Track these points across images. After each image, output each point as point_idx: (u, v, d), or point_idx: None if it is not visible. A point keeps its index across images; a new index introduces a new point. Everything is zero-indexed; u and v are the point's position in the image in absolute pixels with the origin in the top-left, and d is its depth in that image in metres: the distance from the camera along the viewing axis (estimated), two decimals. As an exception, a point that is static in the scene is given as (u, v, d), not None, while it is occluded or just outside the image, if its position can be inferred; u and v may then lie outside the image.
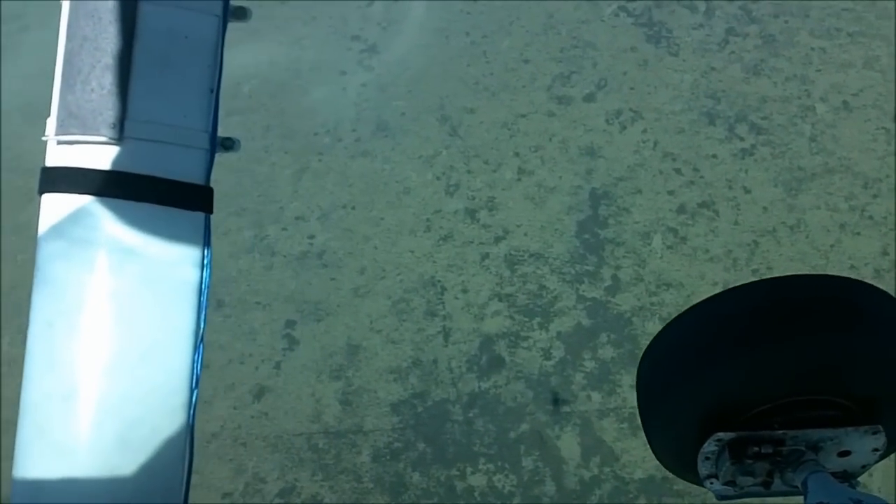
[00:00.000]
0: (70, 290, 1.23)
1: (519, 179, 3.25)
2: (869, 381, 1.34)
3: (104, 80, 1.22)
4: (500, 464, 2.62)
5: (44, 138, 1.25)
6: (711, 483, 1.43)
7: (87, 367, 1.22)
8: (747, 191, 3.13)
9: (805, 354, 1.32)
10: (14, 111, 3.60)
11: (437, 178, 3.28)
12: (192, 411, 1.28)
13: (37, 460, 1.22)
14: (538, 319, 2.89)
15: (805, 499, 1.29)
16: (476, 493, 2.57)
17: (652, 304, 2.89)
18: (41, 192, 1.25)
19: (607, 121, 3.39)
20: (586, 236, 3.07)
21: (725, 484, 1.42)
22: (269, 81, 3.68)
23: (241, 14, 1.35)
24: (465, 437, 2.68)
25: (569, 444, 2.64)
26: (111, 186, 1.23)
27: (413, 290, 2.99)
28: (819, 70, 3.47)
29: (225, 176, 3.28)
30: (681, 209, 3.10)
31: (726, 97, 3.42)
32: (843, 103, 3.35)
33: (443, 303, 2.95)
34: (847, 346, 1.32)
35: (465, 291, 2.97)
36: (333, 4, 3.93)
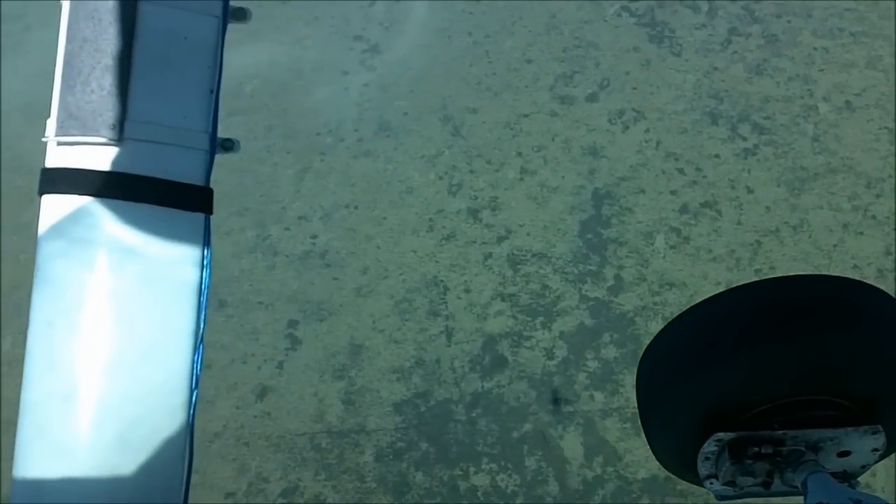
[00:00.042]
0: (70, 289, 1.23)
1: (521, 179, 3.25)
2: (869, 381, 1.34)
3: (104, 82, 1.22)
4: (503, 463, 2.62)
5: (44, 139, 1.26)
6: (711, 483, 1.43)
7: (87, 366, 1.22)
8: (750, 190, 3.13)
9: (805, 354, 1.32)
10: (15, 111, 3.60)
11: (440, 178, 3.28)
12: (192, 411, 1.27)
13: (37, 460, 1.22)
14: (541, 319, 2.89)
15: (805, 499, 1.29)
16: (479, 493, 2.57)
17: (655, 303, 2.89)
18: (41, 193, 1.25)
19: (610, 121, 3.39)
20: (589, 236, 3.07)
21: (725, 484, 1.42)
22: (271, 81, 3.69)
23: (241, 15, 1.35)
24: (468, 436, 2.68)
25: (572, 444, 2.64)
26: (111, 187, 1.23)
27: (416, 289, 2.99)
28: (822, 70, 3.47)
29: (227, 176, 3.28)
30: (683, 209, 3.10)
31: (729, 97, 3.41)
32: (846, 103, 3.35)
33: (445, 302, 2.95)
34: (847, 347, 1.32)
35: (467, 291, 2.97)
36: (335, 4, 3.93)
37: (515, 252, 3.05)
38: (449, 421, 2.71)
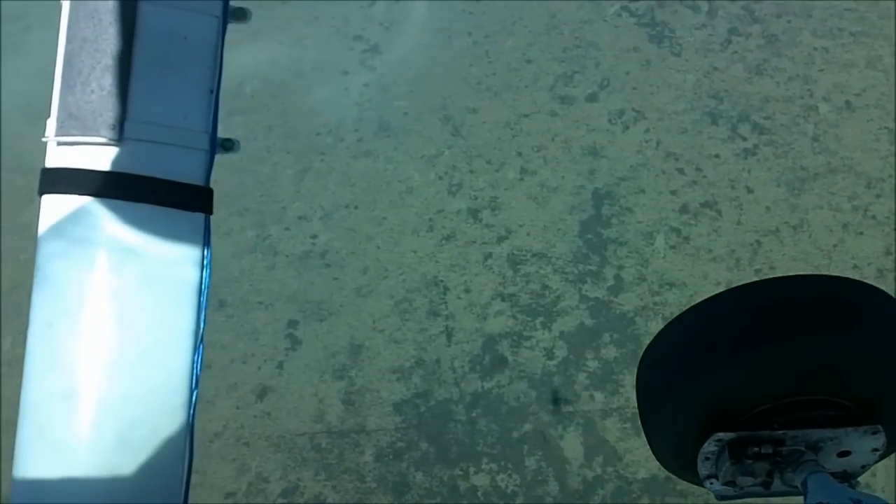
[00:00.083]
0: (70, 289, 1.23)
1: (521, 179, 3.25)
2: (868, 381, 1.34)
3: (104, 82, 1.22)
4: (503, 463, 2.62)
5: (44, 139, 1.26)
6: (711, 483, 1.43)
7: (87, 366, 1.22)
8: (750, 191, 3.13)
9: (805, 355, 1.31)
10: (16, 111, 3.60)
11: (440, 178, 3.28)
12: (192, 411, 1.28)
13: (37, 460, 1.22)
14: (541, 319, 2.89)
15: (805, 499, 1.29)
16: (479, 493, 2.57)
17: (655, 303, 2.89)
18: (41, 193, 1.25)
19: (610, 121, 3.39)
20: (589, 236, 3.07)
21: (725, 484, 1.42)
22: (271, 81, 3.69)
23: (241, 15, 1.35)
24: (468, 436, 2.68)
25: (572, 444, 2.64)
26: (111, 187, 1.23)
27: (416, 289, 2.99)
28: (822, 70, 3.47)
29: (227, 176, 3.28)
30: (683, 209, 3.10)
31: (729, 97, 3.41)
32: (846, 103, 3.35)
33: (445, 302, 2.95)
34: (847, 347, 1.31)
35: (467, 291, 2.97)
36: (335, 4, 3.93)
37: (515, 252, 3.05)
38: (449, 421, 2.71)
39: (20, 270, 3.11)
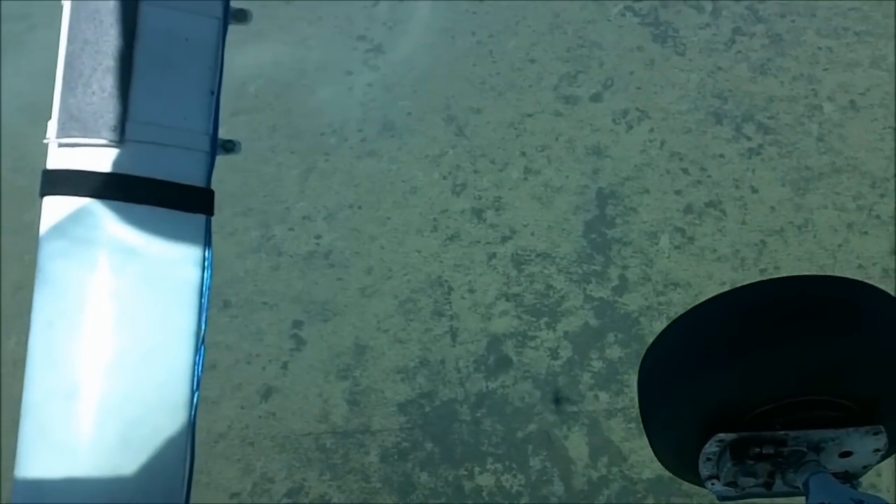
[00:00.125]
0: (71, 290, 1.24)
1: (525, 179, 3.24)
2: (870, 381, 1.34)
3: (105, 83, 1.22)
4: (508, 464, 2.62)
5: (45, 141, 1.26)
6: (713, 484, 1.43)
7: (88, 366, 1.22)
8: (755, 190, 3.12)
9: (806, 355, 1.31)
10: (20, 111, 3.61)
11: (444, 178, 3.28)
12: (193, 411, 1.28)
13: (38, 460, 1.22)
14: (545, 319, 2.89)
15: (806, 499, 1.29)
16: (484, 493, 2.57)
17: (659, 303, 2.88)
18: (42, 195, 1.26)
19: (614, 120, 3.38)
20: (593, 236, 3.06)
21: (727, 485, 1.42)
22: (275, 81, 3.69)
23: (242, 16, 1.36)
24: (473, 436, 2.67)
25: (577, 444, 2.64)
26: (112, 188, 1.24)
27: (420, 289, 2.99)
28: (826, 69, 3.46)
29: (231, 176, 3.28)
30: (688, 209, 3.09)
31: (733, 97, 3.41)
32: (851, 102, 3.34)
33: (450, 303, 2.95)
34: (848, 347, 1.31)
35: (472, 291, 2.97)
36: (339, 4, 3.93)
37: (520, 252, 3.05)
38: (454, 421, 2.71)
39: (24, 270, 3.11)
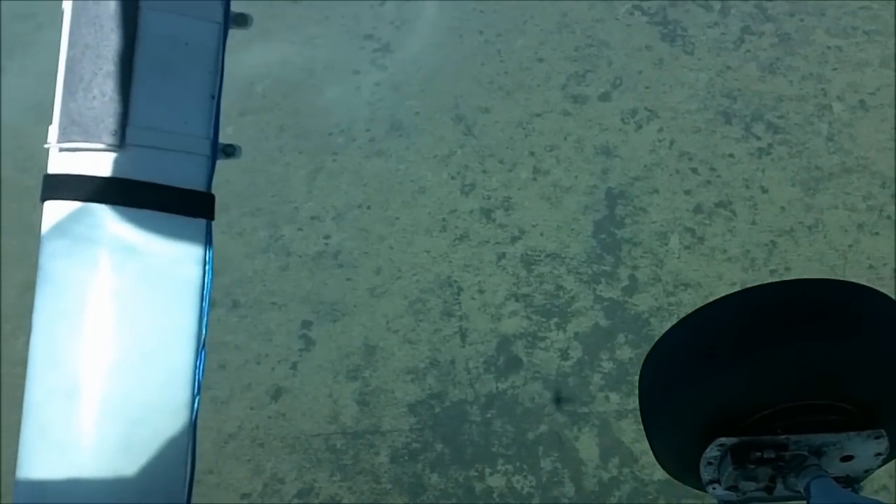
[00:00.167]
0: (72, 293, 1.24)
1: (534, 179, 3.24)
2: (871, 385, 1.34)
3: (106, 88, 1.22)
4: (518, 465, 2.62)
5: (46, 146, 1.26)
6: (714, 488, 1.43)
7: (89, 366, 1.22)
8: (764, 190, 3.12)
9: (807, 359, 1.31)
10: (27, 111, 3.60)
11: (452, 178, 3.27)
12: (194, 412, 1.28)
13: (39, 460, 1.22)
14: (555, 320, 2.88)
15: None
16: (495, 495, 2.57)
17: (670, 304, 2.88)
18: (43, 200, 1.27)
19: (623, 120, 3.38)
20: (603, 236, 3.06)
21: (728, 489, 1.41)
22: (283, 81, 3.68)
23: (242, 21, 1.36)
24: (484, 437, 2.67)
25: (587, 445, 2.63)
26: (113, 193, 1.24)
27: (429, 290, 2.99)
28: (835, 69, 3.46)
29: (239, 176, 3.28)
30: (698, 209, 3.09)
31: (742, 96, 3.40)
32: (860, 102, 3.33)
33: (459, 303, 2.94)
34: (849, 350, 1.31)
35: (481, 292, 2.97)
36: (346, 4, 3.92)
37: (529, 252, 3.05)
38: (464, 422, 2.71)
39: (32, 271, 3.09)
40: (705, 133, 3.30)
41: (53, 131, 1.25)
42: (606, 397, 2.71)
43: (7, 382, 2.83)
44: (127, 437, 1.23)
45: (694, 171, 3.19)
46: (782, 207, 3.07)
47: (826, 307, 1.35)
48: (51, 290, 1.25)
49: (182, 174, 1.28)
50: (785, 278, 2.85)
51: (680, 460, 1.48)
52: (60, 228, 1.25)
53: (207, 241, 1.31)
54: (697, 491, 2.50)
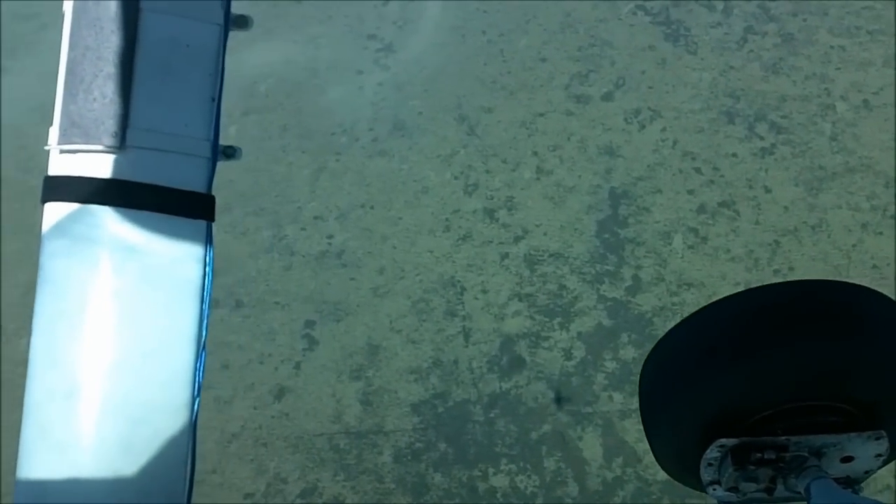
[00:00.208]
0: (72, 291, 1.24)
1: (538, 179, 3.24)
2: (871, 386, 1.33)
3: (106, 89, 1.22)
4: (522, 464, 2.62)
5: (46, 148, 1.26)
6: (714, 489, 1.42)
7: (89, 366, 1.22)
8: (768, 190, 3.12)
9: (807, 360, 1.31)
10: (31, 111, 3.60)
11: (456, 178, 3.27)
12: (195, 412, 1.28)
13: (40, 460, 1.22)
14: (559, 319, 2.88)
15: None
16: (498, 494, 2.57)
17: (673, 304, 2.88)
18: (44, 201, 1.27)
19: (626, 120, 3.38)
20: (606, 236, 3.06)
21: (728, 490, 1.41)
22: (286, 81, 3.68)
23: (243, 23, 1.36)
24: (487, 437, 2.67)
25: (591, 445, 2.63)
26: (113, 194, 1.24)
27: (433, 289, 2.99)
28: (839, 68, 3.45)
29: (243, 176, 3.28)
30: (701, 209, 3.09)
31: (745, 96, 3.40)
32: (864, 102, 3.33)
33: (462, 303, 2.94)
34: (849, 351, 1.31)
35: (484, 291, 2.97)
36: (349, 4, 3.92)
37: (532, 252, 3.05)
38: (467, 422, 2.71)
39: (35, 271, 3.10)
40: (708, 133, 3.30)
41: (54, 133, 1.25)
42: (610, 397, 2.71)
43: (10, 382, 2.83)
44: (127, 437, 1.23)
45: (697, 170, 3.19)
46: (786, 207, 3.06)
47: (826, 308, 1.35)
48: (51, 290, 1.25)
49: (182, 176, 1.28)
50: (789, 278, 2.85)
51: (680, 461, 1.48)
52: (61, 228, 1.25)
53: (208, 242, 1.31)
54: (701, 493, 2.50)
